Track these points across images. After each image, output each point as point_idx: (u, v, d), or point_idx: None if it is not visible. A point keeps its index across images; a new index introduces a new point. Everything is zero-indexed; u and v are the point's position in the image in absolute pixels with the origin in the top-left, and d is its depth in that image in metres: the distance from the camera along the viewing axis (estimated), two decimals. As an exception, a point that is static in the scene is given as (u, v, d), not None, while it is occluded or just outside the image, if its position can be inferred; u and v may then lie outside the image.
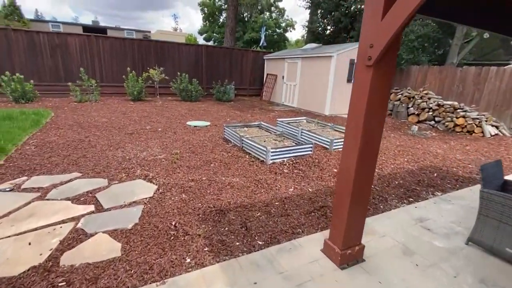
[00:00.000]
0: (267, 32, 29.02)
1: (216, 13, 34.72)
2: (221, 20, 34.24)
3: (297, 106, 10.96)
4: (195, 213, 2.85)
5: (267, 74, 13.08)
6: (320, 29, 16.67)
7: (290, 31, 36.91)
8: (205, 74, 12.43)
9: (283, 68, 11.74)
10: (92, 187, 3.33)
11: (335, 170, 4.22)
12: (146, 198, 3.07)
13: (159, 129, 6.38)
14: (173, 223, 2.64)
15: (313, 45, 11.71)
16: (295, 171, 4.12)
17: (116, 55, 10.51)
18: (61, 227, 2.50)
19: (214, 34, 34.49)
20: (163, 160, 4.39)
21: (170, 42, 11.85)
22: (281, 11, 36.87)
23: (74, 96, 9.21)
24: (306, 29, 18.01)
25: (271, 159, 4.31)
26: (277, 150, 4.34)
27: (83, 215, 2.70)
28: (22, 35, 9.00)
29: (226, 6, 17.63)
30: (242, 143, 5.03)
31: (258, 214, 2.90)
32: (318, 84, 9.70)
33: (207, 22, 35.62)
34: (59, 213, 2.72)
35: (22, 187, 3.26)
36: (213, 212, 2.88)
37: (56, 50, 9.54)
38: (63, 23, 25.05)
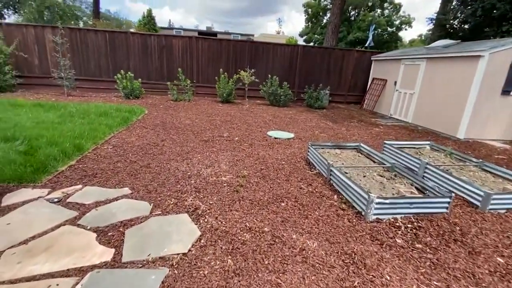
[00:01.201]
0: (376, 32, 25.46)
1: (320, 13, 33.11)
2: (324, 20, 32.48)
3: (412, 121, 8.48)
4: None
5: (373, 79, 10.86)
6: (456, 21, 12.82)
7: (405, 29, 31.69)
8: (298, 77, 11.31)
9: (396, 72, 9.36)
10: (130, 215, 2.67)
11: (501, 261, 2.32)
12: (177, 255, 2.14)
13: (236, 139, 5.62)
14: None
15: (446, 42, 8.83)
16: (417, 245, 2.45)
17: (212, 56, 10.61)
18: (57, 285, 1.82)
19: (315, 36, 33.02)
20: (225, 184, 3.48)
21: (265, 42, 11.25)
22: (396, 7, 32.05)
23: (171, 94, 9.70)
24: (433, 23, 14.38)
25: (375, 214, 2.77)
26: (387, 201, 2.75)
27: (93, 267, 1.98)
28: (138, 38, 10.06)
29: (331, 5, 15.93)
30: (331, 174, 3.62)
31: None
32: (450, 94, 7.07)
33: (309, 23, 34.51)
34: (73, 254, 2.09)
35: (69, 200, 2.90)
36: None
37: (162, 51, 10.30)
38: (184, 29, 28.58)
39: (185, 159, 4.31)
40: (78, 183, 3.31)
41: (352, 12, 31.85)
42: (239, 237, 2.42)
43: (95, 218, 2.60)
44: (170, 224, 2.54)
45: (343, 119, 8.56)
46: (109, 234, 2.38)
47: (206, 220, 2.66)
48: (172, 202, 2.96)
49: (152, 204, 2.90)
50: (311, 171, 4.09)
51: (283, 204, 3.05)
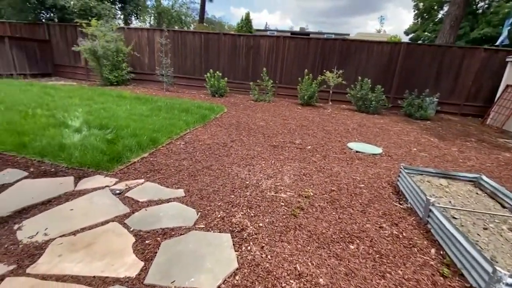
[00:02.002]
0: (514, 26, 19.61)
1: (435, 7, 28.11)
2: (439, 15, 27.43)
3: None
4: None
5: (507, 86, 8.22)
6: None
7: None
8: (396, 80, 9.61)
9: (548, 78, 6.75)
10: (174, 223, 2.46)
11: None
12: (202, 292, 1.76)
13: (308, 147, 4.98)
14: None
15: None
16: None
17: (298, 55, 10.10)
18: (76, 293, 1.69)
19: (425, 34, 28.31)
20: (283, 203, 2.95)
21: (358, 40, 9.99)
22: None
23: (252, 94, 9.70)
24: None
25: (503, 299, 1.74)
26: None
27: (115, 281, 1.80)
28: (228, 39, 10.46)
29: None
30: (429, 216, 2.61)
31: None
32: None
33: (418, 19, 29.81)
34: (106, 259, 1.98)
35: (128, 193, 2.94)
36: None
37: (250, 51, 10.41)
38: (278, 31, 29.00)
39: (248, 164, 3.97)
40: (142, 177, 3.38)
41: (481, 4, 25.73)
42: (283, 284, 1.86)
43: (141, 219, 2.50)
44: (208, 245, 2.19)
45: (454, 136, 6.70)
46: (146, 242, 2.20)
47: (249, 248, 2.20)
48: (219, 216, 2.63)
49: (199, 214, 2.64)
50: (399, 204, 3.12)
51: (352, 246, 2.31)
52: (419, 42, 27.28)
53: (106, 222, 2.44)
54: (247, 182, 3.40)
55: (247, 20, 30.96)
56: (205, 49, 10.76)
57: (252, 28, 31.01)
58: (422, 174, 3.60)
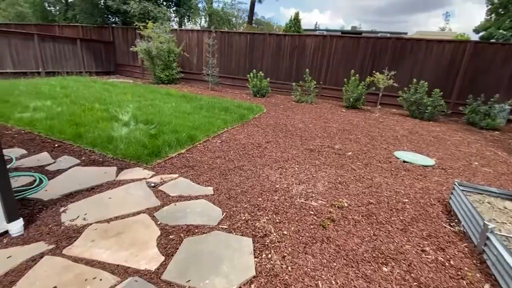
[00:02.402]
0: None
1: (515, -1, 24.36)
2: (520, 8, 23.70)
3: None
4: None
5: None
6: None
7: None
8: (458, 84, 8.52)
9: None
10: (199, 220, 2.48)
11: None
12: (215, 295, 1.72)
13: (349, 153, 4.66)
14: None
15: None
16: None
17: (345, 55, 9.60)
18: (100, 279, 1.78)
19: (500, 31, 24.69)
20: (312, 212, 2.78)
21: (414, 39, 9.11)
22: None
23: (294, 95, 9.50)
24: None
25: None
26: None
27: (136, 272, 1.86)
28: (273, 39, 10.41)
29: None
30: (486, 244, 2.20)
31: None
32: None
33: (492, 15, 26.15)
34: (132, 249, 2.06)
35: (161, 187, 3.06)
36: None
37: (294, 51, 10.22)
38: (327, 30, 28.14)
39: (280, 167, 3.86)
40: (177, 172, 3.50)
41: None
42: (301, 301, 1.73)
43: (169, 214, 2.57)
44: (228, 247, 2.15)
45: (530, 151, 5.67)
46: (170, 237, 2.25)
47: (269, 256, 2.10)
48: (243, 218, 2.57)
49: (224, 214, 2.62)
50: (449, 225, 2.71)
51: (385, 269, 2.06)
52: (492, 40, 23.95)
53: (138, 213, 2.57)
54: (277, 186, 3.29)
55: (295, 20, 30.64)
56: (250, 49, 10.87)
57: (300, 28, 30.60)
58: (482, 194, 3.09)
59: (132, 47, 11.02)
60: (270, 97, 10.07)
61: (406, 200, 3.16)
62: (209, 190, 3.08)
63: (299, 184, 3.40)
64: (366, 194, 3.26)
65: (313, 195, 3.14)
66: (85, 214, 2.48)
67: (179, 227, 2.39)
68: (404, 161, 4.46)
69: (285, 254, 2.13)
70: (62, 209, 2.55)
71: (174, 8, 14.30)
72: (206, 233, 2.33)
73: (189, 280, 1.81)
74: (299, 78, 9.92)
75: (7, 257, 1.91)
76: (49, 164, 3.43)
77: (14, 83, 8.08)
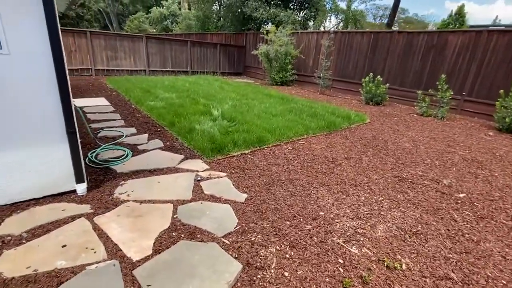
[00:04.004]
0: None
1: None
2: None
3: None
4: None
5: None
6: None
7: None
8: None
9: None
10: (207, 226, 2.37)
11: None
12: None
13: (461, 195, 3.29)
14: None
15: None
16: None
17: (510, 58, 6.77)
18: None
19: None
20: (341, 260, 2.10)
21: None
22: None
23: (418, 107, 7.64)
24: None
25: None
26: None
27: (121, 259, 1.96)
28: (403, 37, 8.67)
29: None
30: None
31: None
32: None
33: None
34: (134, 233, 2.21)
35: (202, 182, 3.15)
36: None
37: (429, 51, 8.15)
38: (506, 26, 21.32)
39: (341, 191, 3.17)
40: (227, 171, 3.50)
41: None
42: None
43: (189, 211, 2.59)
44: (211, 266, 1.92)
45: None
46: (173, 233, 2.25)
47: (247, 295, 1.73)
48: (252, 239, 2.25)
49: (237, 227, 2.39)
50: None
51: None
52: None
53: (166, 201, 2.73)
54: (321, 213, 2.70)
55: (458, 15, 24.63)
56: (371, 51, 9.57)
57: (464, 23, 24.35)
58: None
59: (254, 50, 12.01)
60: (386, 106, 8.53)
61: (528, 298, 1.87)
62: (242, 198, 2.89)
63: (352, 218, 2.67)
64: (451, 262, 2.16)
65: (362, 239, 2.37)
66: (132, 191, 2.87)
67: (188, 226, 2.36)
68: None
69: (266, 301, 1.70)
70: (121, 182, 3.05)
71: (300, 11, 14.50)
72: (204, 242, 2.18)
73: (149, 285, 1.74)
74: (432, 86, 7.86)
75: (62, 210, 2.46)
76: (141, 144, 4.22)
77: (162, 79, 10.53)
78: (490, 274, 2.07)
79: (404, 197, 3.16)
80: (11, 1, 2.06)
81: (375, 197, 3.11)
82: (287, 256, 2.10)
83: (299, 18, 14.21)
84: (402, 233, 2.50)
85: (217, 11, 18.95)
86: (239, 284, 1.81)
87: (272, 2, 14.66)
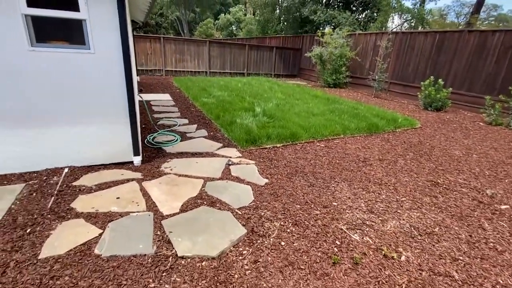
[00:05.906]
0: None
1: None
2: None
3: None
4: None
5: None
6: None
7: None
8: None
9: None
10: (225, 198, 2.78)
11: None
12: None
13: (503, 207, 3.02)
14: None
15: None
16: None
17: None
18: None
19: None
20: (338, 242, 2.26)
21: None
22: None
23: (486, 114, 6.77)
24: None
25: None
26: None
27: (125, 214, 2.50)
28: (474, 37, 7.73)
29: None
30: None
31: None
32: None
33: None
34: (167, 197, 2.75)
35: (232, 166, 3.57)
36: None
37: (507, 52, 7.11)
38: None
39: (361, 188, 3.23)
40: (256, 160, 3.86)
41: None
42: None
43: (215, 186, 3.03)
44: (222, 229, 2.31)
45: None
46: (198, 200, 2.71)
47: (243, 253, 2.06)
48: (262, 214, 2.57)
49: (252, 204, 2.73)
50: None
51: None
52: None
53: (199, 177, 3.22)
54: (334, 203, 2.86)
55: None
56: (436, 52, 8.76)
57: None
58: None
59: (307, 52, 12.11)
60: (448, 113, 7.74)
61: (537, 309, 1.75)
62: (262, 182, 3.22)
63: (364, 212, 2.75)
64: (458, 263, 2.11)
65: (367, 229, 2.47)
66: (175, 167, 3.46)
67: (211, 197, 2.80)
68: None
69: (261, 265, 2.00)
70: (168, 160, 3.68)
71: (364, 11, 13.93)
72: (221, 210, 2.59)
73: (171, 232, 2.21)
74: (505, 91, 6.87)
75: (121, 174, 3.17)
76: (190, 132, 4.89)
77: (219, 79, 11.47)
78: (501, 281, 1.97)
79: (431, 201, 3.05)
80: (97, 11, 2.80)
81: (397, 197, 3.08)
82: (288, 230, 2.36)
83: (360, 20, 13.71)
84: (413, 231, 2.49)
85: (278, 15, 19.55)
86: (240, 244, 2.16)
87: (332, 4, 14.50)
